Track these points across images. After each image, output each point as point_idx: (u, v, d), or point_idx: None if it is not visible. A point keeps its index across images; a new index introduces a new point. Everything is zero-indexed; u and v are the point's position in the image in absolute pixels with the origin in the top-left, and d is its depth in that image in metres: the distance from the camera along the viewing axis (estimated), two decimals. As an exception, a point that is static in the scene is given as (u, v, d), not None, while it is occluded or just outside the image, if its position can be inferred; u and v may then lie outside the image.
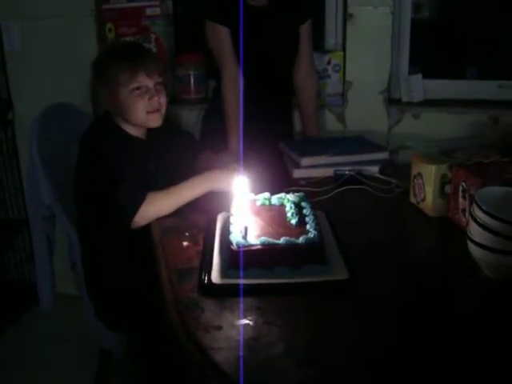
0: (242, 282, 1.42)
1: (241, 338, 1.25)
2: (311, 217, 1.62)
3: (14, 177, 3.26)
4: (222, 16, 2.46)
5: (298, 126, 2.86)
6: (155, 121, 2.02)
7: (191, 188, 1.94)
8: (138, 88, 1.97)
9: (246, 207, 1.67)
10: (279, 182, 2.12)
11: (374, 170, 2.24)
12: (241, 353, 1.20)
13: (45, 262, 2.26)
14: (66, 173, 2.05)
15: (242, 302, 1.37)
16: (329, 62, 2.96)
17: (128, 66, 1.95)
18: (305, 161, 2.26)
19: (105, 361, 2.32)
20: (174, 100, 3.00)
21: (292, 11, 2.58)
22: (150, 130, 2.08)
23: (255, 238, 1.49)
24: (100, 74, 1.99)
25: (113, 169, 1.90)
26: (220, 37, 2.49)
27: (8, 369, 2.86)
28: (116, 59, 1.98)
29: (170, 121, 2.14)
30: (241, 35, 2.35)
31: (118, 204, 1.88)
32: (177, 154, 2.10)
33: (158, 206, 1.89)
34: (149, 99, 1.98)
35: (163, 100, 2.02)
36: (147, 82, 1.98)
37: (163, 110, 2.03)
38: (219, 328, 1.28)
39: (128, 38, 2.86)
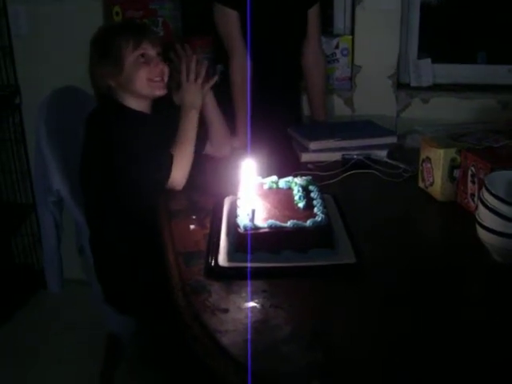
0: (249, 265, 1.42)
1: (248, 321, 1.24)
2: (319, 200, 1.61)
3: (22, 161, 3.27)
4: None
5: (306, 110, 2.84)
6: (159, 89, 2.04)
7: (186, 126, 2.04)
8: (142, 55, 2.00)
9: (253, 190, 1.66)
10: (287, 165, 2.11)
11: (382, 154, 2.23)
12: (249, 336, 1.20)
13: (52, 246, 2.26)
14: (74, 156, 2.04)
15: (249, 285, 1.37)
16: (337, 46, 2.94)
17: (131, 35, 1.99)
18: (313, 145, 2.25)
19: (113, 345, 2.33)
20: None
21: None
22: (153, 105, 2.09)
23: (262, 221, 1.49)
24: (103, 49, 2.00)
25: (125, 148, 1.92)
26: (228, 20, 2.47)
27: (16, 353, 2.87)
28: (119, 32, 2.02)
29: (171, 97, 2.15)
30: (248, 18, 2.34)
31: (146, 178, 1.94)
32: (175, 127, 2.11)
33: (181, 157, 1.98)
34: (153, 67, 2.01)
35: (166, 70, 2.05)
36: (150, 50, 2.02)
37: (166, 79, 2.06)
38: (226, 311, 1.28)
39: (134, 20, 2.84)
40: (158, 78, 2.02)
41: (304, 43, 2.66)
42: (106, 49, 1.99)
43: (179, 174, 1.96)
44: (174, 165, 1.94)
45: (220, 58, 2.62)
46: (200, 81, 2.07)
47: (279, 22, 2.52)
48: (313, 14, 2.63)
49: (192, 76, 2.06)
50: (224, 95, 2.48)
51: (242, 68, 2.46)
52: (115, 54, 1.98)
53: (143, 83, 2.01)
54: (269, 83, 2.53)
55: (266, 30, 2.49)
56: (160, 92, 2.04)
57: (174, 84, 2.12)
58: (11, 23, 3.06)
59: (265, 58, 2.50)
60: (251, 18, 2.36)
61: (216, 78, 2.15)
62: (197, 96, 2.07)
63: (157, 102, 2.09)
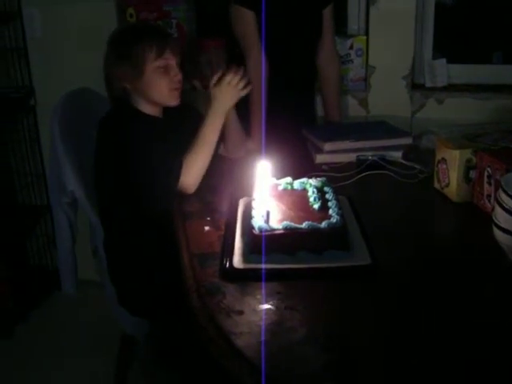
0: (263, 266, 1.41)
1: (263, 323, 1.24)
2: (334, 202, 1.61)
3: (37, 163, 3.29)
4: (250, 0, 2.43)
5: (320, 110, 2.83)
6: (176, 98, 2.05)
7: (211, 127, 2.00)
8: (164, 65, 1.99)
9: (268, 192, 1.66)
10: (301, 167, 2.10)
11: (397, 155, 2.22)
12: (262, 338, 1.19)
13: (67, 247, 2.27)
14: (89, 158, 2.04)
15: (264, 287, 1.37)
16: (351, 47, 2.93)
17: (155, 42, 1.98)
18: (327, 146, 2.25)
19: (126, 346, 2.33)
20: (194, 87, 2.98)
21: None
22: (165, 109, 2.10)
23: (277, 223, 1.49)
24: (123, 50, 1.99)
25: (138, 152, 1.92)
26: (245, 21, 2.47)
27: (30, 353, 2.88)
28: (143, 36, 2.00)
29: (182, 101, 2.15)
30: (263, 18, 2.33)
31: (153, 181, 1.92)
32: (191, 131, 2.10)
33: (196, 160, 1.95)
34: (173, 76, 2.01)
35: (182, 79, 2.05)
36: (171, 59, 2.01)
37: (181, 88, 2.06)
38: (241, 313, 1.28)
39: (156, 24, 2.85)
40: (176, 87, 2.03)
41: (318, 43, 2.65)
42: (127, 50, 1.98)
43: (190, 179, 1.93)
44: (184, 169, 1.92)
45: (233, 59, 2.61)
46: (241, 86, 2.02)
47: (294, 22, 2.52)
48: (327, 14, 2.63)
49: (234, 80, 2.01)
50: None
51: (258, 68, 2.45)
52: (136, 57, 1.97)
53: (162, 92, 2.01)
54: (284, 84, 2.52)
55: (282, 30, 2.49)
56: (176, 102, 2.05)
57: (197, 83, 2.12)
58: (26, 25, 3.09)
59: (280, 58, 2.49)
60: (267, 18, 2.35)
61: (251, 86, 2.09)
62: (232, 100, 2.03)
63: (171, 109, 2.09)
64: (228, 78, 2.01)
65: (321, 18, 2.62)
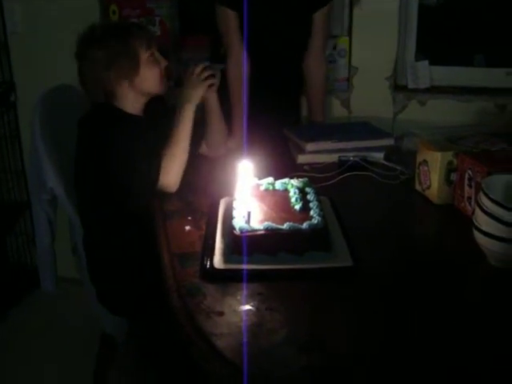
0: (244, 267, 1.41)
1: (243, 324, 1.23)
2: (315, 202, 1.61)
3: (16, 159, 3.25)
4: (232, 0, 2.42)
5: (304, 111, 2.84)
6: (166, 86, 2.09)
7: (183, 120, 2.00)
8: (153, 55, 2.03)
9: (249, 192, 1.65)
10: (283, 167, 2.10)
11: (379, 156, 2.22)
12: (244, 339, 1.19)
13: (46, 244, 2.25)
14: (69, 155, 2.03)
15: (244, 288, 1.36)
16: (334, 47, 2.94)
17: (144, 34, 2.04)
18: (309, 146, 2.24)
19: (106, 345, 2.31)
20: (178, 83, 2.97)
21: None
22: (145, 108, 2.09)
23: (258, 223, 1.48)
24: (119, 49, 1.97)
25: (118, 152, 1.91)
26: (227, 20, 2.47)
27: (10, 352, 2.86)
28: (132, 31, 2.01)
29: (163, 99, 2.18)
30: (245, 18, 2.33)
31: (133, 181, 1.91)
32: (168, 128, 2.09)
33: (173, 157, 1.95)
34: (163, 64, 2.06)
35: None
36: (156, 50, 2.06)
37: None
38: (221, 314, 1.27)
39: (132, 20, 2.83)
40: (164, 75, 2.06)
41: (307, 46, 2.64)
42: (123, 48, 1.97)
43: (170, 177, 1.93)
44: (163, 168, 1.92)
45: (221, 57, 2.61)
46: (203, 75, 2.05)
47: (278, 23, 2.50)
48: (318, 18, 2.58)
49: (197, 69, 2.05)
50: (221, 94, 2.46)
51: (239, 66, 2.45)
52: (132, 52, 1.98)
53: (157, 81, 2.04)
54: (269, 84, 2.50)
55: (265, 30, 2.48)
56: (165, 90, 2.09)
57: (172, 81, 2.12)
58: (7, 20, 3.05)
59: (265, 58, 2.49)
60: (252, 18, 2.35)
61: (219, 76, 2.13)
62: (196, 90, 2.04)
63: (148, 105, 2.09)
64: (190, 68, 2.06)
65: (309, 21, 2.58)
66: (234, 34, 2.47)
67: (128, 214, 1.98)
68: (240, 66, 2.45)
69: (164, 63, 2.06)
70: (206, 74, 2.05)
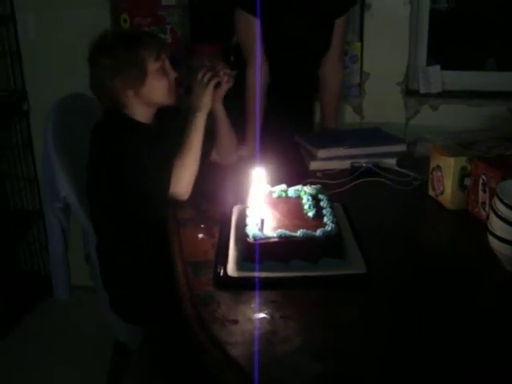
0: (257, 275, 1.41)
1: (256, 333, 1.23)
2: (328, 209, 1.60)
3: (29, 167, 3.27)
4: (254, 5, 2.34)
5: (317, 117, 2.83)
6: (174, 97, 2.07)
7: (194, 129, 1.99)
8: (162, 66, 2.02)
9: (262, 199, 1.65)
10: (295, 174, 2.10)
11: (392, 162, 2.21)
12: (256, 348, 1.19)
13: (59, 252, 2.26)
14: (82, 163, 2.03)
15: (257, 296, 1.36)
16: (346, 53, 2.93)
17: (153, 45, 2.01)
18: (321, 153, 2.24)
19: (119, 352, 2.32)
20: (188, 91, 2.98)
21: (329, 2, 2.50)
22: (157, 116, 2.09)
23: (272, 231, 1.48)
24: (127, 58, 1.97)
25: (131, 159, 1.91)
26: (249, 27, 2.43)
27: (23, 359, 2.87)
28: (142, 41, 2.00)
29: (175, 108, 2.16)
30: (258, 26, 2.32)
31: (146, 189, 1.91)
32: (180, 136, 2.09)
33: (184, 165, 1.94)
34: (171, 75, 2.04)
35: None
36: (166, 60, 2.04)
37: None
38: (235, 322, 1.27)
39: (144, 29, 2.84)
40: (173, 86, 2.04)
41: (325, 53, 2.60)
42: (131, 57, 1.97)
43: (181, 186, 1.93)
44: (174, 176, 1.91)
45: (237, 63, 2.59)
46: (213, 83, 2.02)
47: (302, 31, 2.47)
48: (339, 24, 2.56)
49: (200, 74, 2.03)
50: (234, 101, 2.45)
51: (259, 75, 2.43)
52: (140, 63, 1.97)
53: (164, 92, 2.03)
54: (285, 92, 2.49)
55: (289, 37, 2.46)
56: (174, 100, 2.06)
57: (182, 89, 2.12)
58: (19, 29, 3.08)
59: (283, 65, 2.47)
60: (275, 26, 2.34)
61: (231, 83, 2.09)
62: (203, 96, 2.00)
63: (160, 114, 2.09)
64: (199, 74, 2.03)
65: (332, 28, 2.54)
66: (255, 41, 2.42)
67: (141, 222, 1.98)
68: (261, 75, 2.42)
69: (173, 74, 2.04)
70: (213, 82, 2.02)
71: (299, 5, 2.44)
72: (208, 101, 2.01)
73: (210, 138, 2.14)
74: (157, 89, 2.01)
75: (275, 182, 1.78)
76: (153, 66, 1.99)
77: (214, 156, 2.23)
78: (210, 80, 2.01)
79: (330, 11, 2.52)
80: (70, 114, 2.24)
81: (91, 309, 2.45)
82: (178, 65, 2.09)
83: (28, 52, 3.11)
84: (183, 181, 1.93)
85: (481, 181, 1.73)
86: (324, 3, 2.49)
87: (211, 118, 2.12)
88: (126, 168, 1.91)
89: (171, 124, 2.09)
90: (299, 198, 1.72)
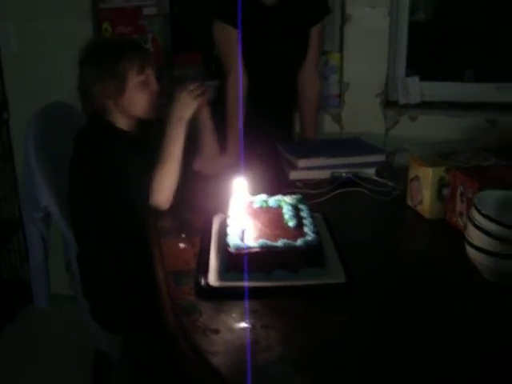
0: (239, 284, 1.41)
1: (247, 342, 1.24)
2: (309, 219, 1.62)
3: (9, 177, 3.25)
4: (233, 16, 2.36)
5: (297, 127, 2.85)
6: (154, 110, 2.06)
7: (173, 138, 1.97)
8: (145, 80, 2.01)
9: (242, 209, 1.66)
10: (275, 183, 2.11)
11: (371, 172, 2.23)
12: (248, 357, 1.19)
13: (39, 261, 2.25)
14: (62, 173, 2.03)
15: (239, 306, 1.36)
16: (326, 64, 2.96)
17: (137, 59, 1.99)
18: (302, 162, 2.25)
19: (100, 362, 2.31)
20: (170, 100, 2.98)
21: (303, 12, 2.54)
22: (140, 124, 2.09)
23: (253, 241, 1.49)
24: (107, 69, 1.97)
25: (114, 168, 1.92)
26: (228, 37, 2.45)
27: (3, 368, 2.84)
28: (125, 53, 1.99)
29: (158, 115, 2.15)
30: (239, 36, 2.33)
31: (129, 197, 1.91)
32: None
33: (164, 175, 1.92)
34: (153, 89, 2.03)
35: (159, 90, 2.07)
36: (151, 74, 2.03)
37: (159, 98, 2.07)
38: (217, 331, 1.28)
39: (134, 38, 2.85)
40: (155, 100, 2.04)
41: (302, 61, 2.64)
42: (111, 67, 1.97)
43: (161, 196, 1.92)
44: (154, 185, 1.90)
45: (218, 73, 2.61)
46: (194, 93, 2.00)
47: (279, 40, 2.51)
48: (314, 32, 2.60)
49: (191, 87, 2.01)
50: (215, 111, 2.47)
51: (239, 85, 2.44)
52: (121, 75, 1.97)
53: (144, 106, 2.02)
54: (264, 101, 2.52)
55: (265, 47, 2.49)
56: (153, 114, 2.06)
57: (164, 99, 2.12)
58: (0, 38, 3.07)
59: (261, 74, 2.50)
60: (251, 35, 2.35)
61: (211, 93, 2.12)
62: (188, 107, 1.99)
63: (143, 122, 2.09)
64: (191, 86, 2.02)
65: (308, 36, 2.59)
66: (234, 51, 2.44)
67: (124, 230, 1.99)
68: (240, 85, 2.44)
69: (155, 88, 2.04)
70: (199, 91, 2.01)
71: (274, 14, 2.48)
72: (191, 112, 2.00)
73: (193, 146, 2.15)
74: (137, 101, 2.01)
75: (256, 192, 1.79)
76: (134, 79, 1.98)
77: (197, 164, 2.23)
78: (198, 96, 2.01)
79: (304, 20, 2.56)
80: (51, 123, 2.24)
81: (71, 318, 2.44)
82: (159, 75, 2.09)
83: (9, 61, 3.10)
84: (163, 190, 1.92)
85: (459, 191, 1.76)
86: (298, 12, 2.52)
87: (195, 126, 2.12)
88: (110, 176, 1.91)
89: (154, 133, 2.09)
90: (280, 207, 1.73)
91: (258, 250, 1.45)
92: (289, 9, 2.50)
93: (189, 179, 2.05)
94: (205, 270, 1.49)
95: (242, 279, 1.42)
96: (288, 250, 1.46)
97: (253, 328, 1.29)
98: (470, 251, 1.48)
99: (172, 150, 1.96)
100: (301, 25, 2.56)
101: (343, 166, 2.24)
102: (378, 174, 2.22)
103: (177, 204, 1.95)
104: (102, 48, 2.04)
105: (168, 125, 1.99)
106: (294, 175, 2.25)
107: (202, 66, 3.00)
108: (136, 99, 2.01)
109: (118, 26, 2.89)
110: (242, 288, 1.39)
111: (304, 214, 1.66)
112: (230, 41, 2.45)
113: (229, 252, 1.45)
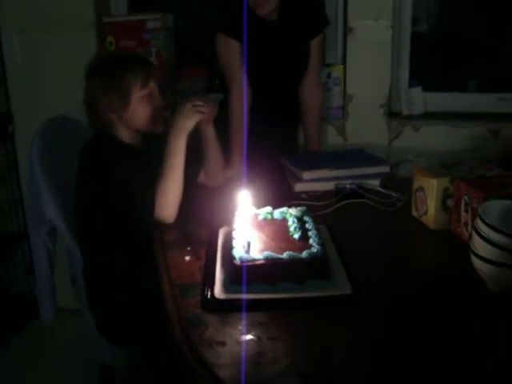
0: (245, 297, 1.42)
1: (242, 355, 1.24)
2: (314, 231, 1.62)
3: (14, 190, 3.26)
4: (235, 30, 2.41)
5: (301, 138, 2.86)
6: (161, 125, 2.06)
7: (174, 150, 1.96)
8: (149, 94, 2.01)
9: (248, 221, 1.67)
10: (280, 195, 2.12)
11: (375, 183, 2.24)
12: (243, 368, 1.19)
13: (45, 274, 2.25)
14: (68, 186, 2.04)
15: (245, 318, 1.37)
16: (329, 76, 2.97)
17: (141, 73, 2.00)
18: (306, 174, 2.26)
19: (106, 375, 2.31)
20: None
21: (303, 25, 2.56)
22: (146, 138, 2.10)
23: (258, 253, 1.49)
24: (111, 83, 1.98)
25: (120, 182, 1.92)
26: (231, 50, 2.48)
27: (9, 382, 2.84)
28: (130, 68, 2.00)
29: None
30: (245, 49, 2.35)
31: (134, 210, 1.92)
32: None
33: (167, 189, 1.92)
34: (158, 104, 2.03)
35: (164, 104, 2.08)
36: (155, 88, 2.04)
37: (165, 113, 2.08)
38: (223, 344, 1.28)
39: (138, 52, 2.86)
40: (160, 114, 2.04)
41: (304, 73, 2.66)
42: (115, 81, 1.98)
43: (165, 210, 1.92)
44: (158, 201, 1.90)
45: (222, 87, 2.62)
46: (198, 106, 1.99)
47: (281, 52, 2.53)
48: (315, 44, 2.62)
49: (195, 101, 2.00)
50: (219, 124, 2.47)
51: (241, 98, 2.45)
52: (125, 89, 1.97)
53: (146, 120, 2.03)
54: (267, 113, 2.53)
55: (268, 60, 2.50)
56: (161, 129, 2.06)
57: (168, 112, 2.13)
58: (5, 51, 3.08)
59: (265, 88, 2.51)
60: (253, 48, 2.37)
61: (217, 110, 2.09)
62: (190, 118, 1.97)
63: (149, 136, 2.09)
64: (196, 100, 2.01)
65: (308, 48, 2.61)
66: (236, 64, 2.48)
67: (129, 243, 1.99)
68: (242, 98, 2.45)
69: (159, 102, 2.04)
70: (198, 104, 1.99)
71: (275, 28, 2.49)
72: (192, 125, 1.98)
73: (198, 158, 2.16)
74: (140, 116, 2.02)
75: (260, 204, 1.79)
76: (138, 93, 1.99)
77: (201, 177, 2.24)
78: (201, 112, 1.99)
79: (304, 33, 2.58)
80: (56, 136, 2.24)
81: (77, 331, 2.44)
82: (162, 89, 2.10)
83: (13, 74, 3.11)
84: (167, 203, 1.93)
85: (463, 201, 1.76)
86: (298, 25, 2.55)
87: (199, 140, 2.13)
88: (115, 190, 1.92)
89: (159, 146, 2.10)
90: (285, 220, 1.73)
91: (263, 262, 1.46)
92: (289, 23, 2.53)
93: (194, 192, 2.06)
94: (210, 282, 1.50)
95: (247, 291, 1.43)
96: (293, 262, 1.46)
97: (259, 340, 1.29)
98: (475, 261, 1.49)
99: (174, 162, 1.96)
100: (301, 38, 2.59)
101: (347, 177, 2.25)
102: (382, 185, 2.23)
103: (182, 217, 1.96)
104: (107, 62, 2.06)
105: (168, 138, 1.98)
106: (299, 187, 2.26)
107: (206, 79, 3.01)
108: (139, 113, 2.01)
109: (122, 40, 2.90)
110: (247, 300, 1.40)
111: (309, 226, 1.66)
112: (233, 54, 2.47)
113: (234, 264, 1.46)
